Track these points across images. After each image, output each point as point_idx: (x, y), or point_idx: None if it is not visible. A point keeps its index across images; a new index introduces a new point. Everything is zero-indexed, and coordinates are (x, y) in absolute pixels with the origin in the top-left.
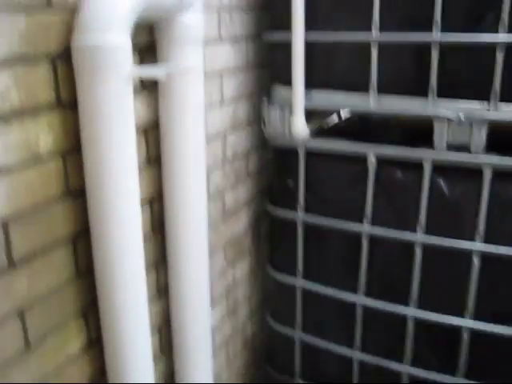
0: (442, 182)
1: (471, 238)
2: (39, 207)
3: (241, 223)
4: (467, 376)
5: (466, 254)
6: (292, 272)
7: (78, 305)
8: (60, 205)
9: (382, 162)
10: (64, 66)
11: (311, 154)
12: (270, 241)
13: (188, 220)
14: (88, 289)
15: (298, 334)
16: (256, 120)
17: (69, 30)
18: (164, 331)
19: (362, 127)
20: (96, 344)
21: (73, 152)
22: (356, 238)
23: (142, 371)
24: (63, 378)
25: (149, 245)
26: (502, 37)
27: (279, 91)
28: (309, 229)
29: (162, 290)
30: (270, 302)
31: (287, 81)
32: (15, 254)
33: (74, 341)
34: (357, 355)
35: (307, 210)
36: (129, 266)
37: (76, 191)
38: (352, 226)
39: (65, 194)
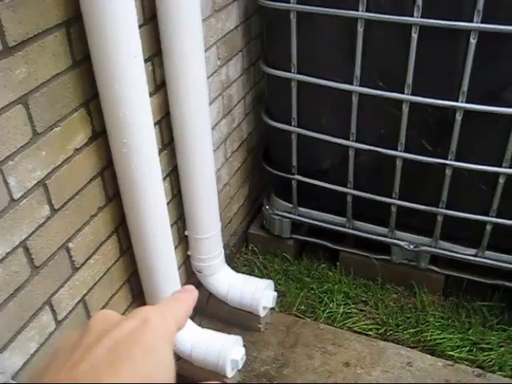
0: None
1: (469, 18)
2: None
3: (232, 20)
4: (458, 157)
5: (463, 35)
6: (286, 66)
7: (80, 96)
8: None
9: None
10: None
11: None
12: (263, 37)
13: (181, 8)
14: (88, 80)
15: (294, 129)
16: None
17: None
18: (165, 123)
19: None
20: (101, 136)
21: None
22: (351, 24)
23: (146, 160)
24: (72, 167)
25: (143, 33)
26: None
27: None
28: (302, 19)
29: (159, 83)
30: (264, 99)
31: None
32: (9, 38)
33: (79, 132)
34: (352, 143)
35: None
36: (125, 54)
37: None
38: (347, 13)
39: None
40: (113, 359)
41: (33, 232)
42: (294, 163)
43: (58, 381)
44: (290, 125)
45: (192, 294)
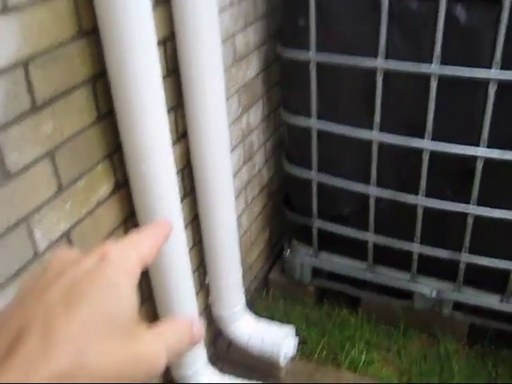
0: (458, 10)
1: (488, 67)
2: (55, 48)
3: (252, 68)
4: (480, 204)
5: (482, 84)
6: (306, 114)
7: (104, 149)
8: (75, 45)
9: None
10: None
11: None
12: (282, 85)
13: (203, 61)
14: (111, 132)
15: (314, 175)
16: None
17: None
18: (186, 172)
19: None
20: (124, 187)
21: None
22: (370, 73)
23: (168, 210)
24: (96, 219)
25: (166, 85)
26: None
27: None
28: (322, 68)
29: (181, 133)
30: (285, 145)
31: None
32: (38, 96)
33: (103, 183)
34: (373, 191)
35: (320, 48)
36: (148, 106)
37: (89, 31)
38: (366, 62)
39: (79, 34)
40: (68, 301)
41: None
42: (315, 209)
43: (12, 324)
44: (311, 171)
45: (163, 230)
